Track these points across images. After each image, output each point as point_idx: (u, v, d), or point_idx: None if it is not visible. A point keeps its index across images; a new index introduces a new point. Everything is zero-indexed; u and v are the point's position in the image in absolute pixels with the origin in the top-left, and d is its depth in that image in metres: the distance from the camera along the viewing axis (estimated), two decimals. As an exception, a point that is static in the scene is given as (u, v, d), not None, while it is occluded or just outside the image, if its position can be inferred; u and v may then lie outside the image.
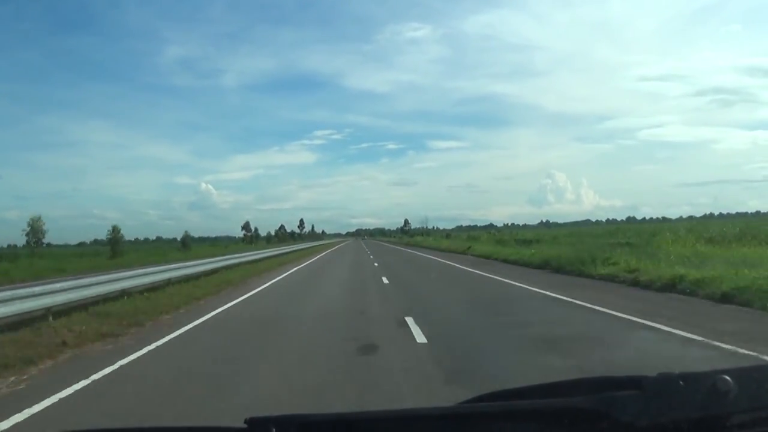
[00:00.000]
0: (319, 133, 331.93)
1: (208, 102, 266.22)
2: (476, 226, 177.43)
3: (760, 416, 1.06)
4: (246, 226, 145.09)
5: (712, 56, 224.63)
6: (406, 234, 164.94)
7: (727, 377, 1.01)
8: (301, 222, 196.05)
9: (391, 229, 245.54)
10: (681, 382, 1.03)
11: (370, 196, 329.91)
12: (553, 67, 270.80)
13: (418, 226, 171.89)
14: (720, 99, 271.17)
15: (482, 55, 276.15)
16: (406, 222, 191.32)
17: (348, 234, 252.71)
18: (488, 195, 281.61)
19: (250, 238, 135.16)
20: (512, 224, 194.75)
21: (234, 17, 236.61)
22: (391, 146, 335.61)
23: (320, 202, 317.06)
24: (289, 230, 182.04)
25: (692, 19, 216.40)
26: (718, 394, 1.00)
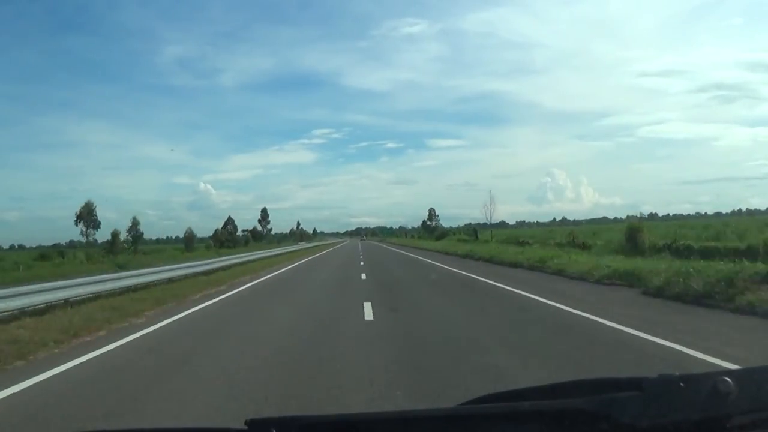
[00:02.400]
0: (318, 132, 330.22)
1: (206, 102, 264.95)
2: (486, 224, 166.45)
3: (760, 418, 1.05)
4: (84, 218, 65.06)
5: (714, 51, 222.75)
6: (431, 232, 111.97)
7: (728, 379, 1.01)
8: (264, 214, 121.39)
9: (392, 227, 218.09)
10: (681, 384, 1.03)
11: (370, 195, 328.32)
12: (552, 65, 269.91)
13: (447, 225, 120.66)
14: (721, 95, 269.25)
15: (481, 53, 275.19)
16: (432, 214, 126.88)
17: (347, 233, 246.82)
18: (488, 193, 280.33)
19: (118, 244, 64.64)
20: (523, 222, 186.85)
21: (232, 17, 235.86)
22: (391, 145, 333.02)
23: (320, 202, 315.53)
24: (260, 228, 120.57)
25: (694, 13, 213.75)
26: (719, 395, 1.00)
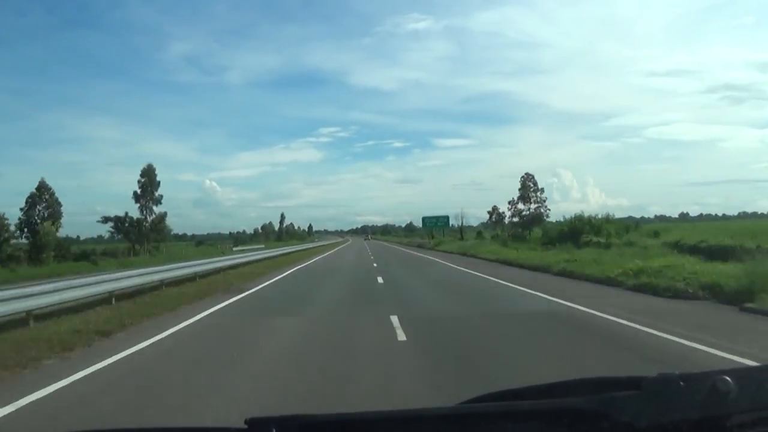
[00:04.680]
0: (324, 130, 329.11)
1: (212, 99, 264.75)
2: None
3: (760, 417, 1.05)
4: None
5: (723, 51, 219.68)
6: (523, 228, 59.87)
7: (728, 378, 1.01)
8: (148, 178, 59.56)
9: (398, 225, 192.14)
10: (681, 383, 1.03)
11: (376, 193, 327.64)
12: (559, 65, 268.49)
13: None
14: (730, 96, 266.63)
15: (488, 53, 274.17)
16: (528, 187, 62.38)
17: (351, 231, 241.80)
18: (494, 193, 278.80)
19: None
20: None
21: (238, 14, 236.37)
22: (397, 144, 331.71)
23: (325, 200, 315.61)
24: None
25: (703, 13, 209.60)
26: (718, 394, 1.00)
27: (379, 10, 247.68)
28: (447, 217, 76.54)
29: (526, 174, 63.30)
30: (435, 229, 78.40)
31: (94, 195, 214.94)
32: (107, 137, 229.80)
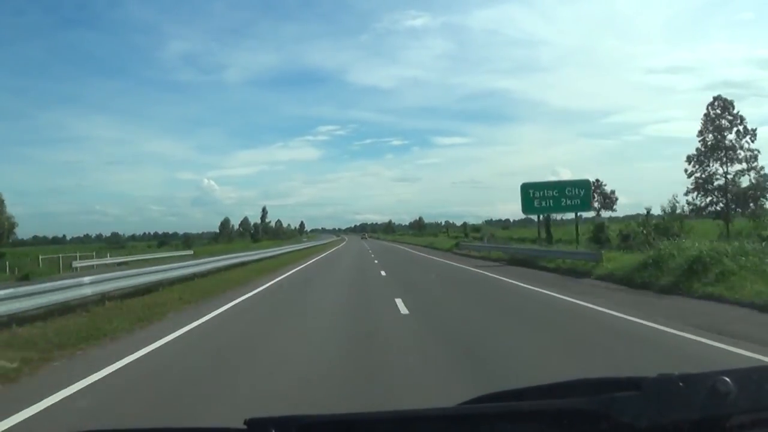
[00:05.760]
0: (323, 128, 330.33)
1: (211, 97, 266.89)
2: (509, 220, 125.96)
3: (759, 418, 1.06)
4: None
5: (723, 48, 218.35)
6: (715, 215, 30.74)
7: (727, 378, 1.01)
8: None
9: (398, 222, 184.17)
10: (680, 384, 1.03)
11: (374, 192, 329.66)
12: (558, 63, 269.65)
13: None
14: (729, 93, 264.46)
15: (487, 51, 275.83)
16: None
17: (348, 230, 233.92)
18: (493, 191, 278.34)
19: None
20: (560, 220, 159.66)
21: (236, 12, 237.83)
22: (396, 142, 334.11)
23: (324, 198, 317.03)
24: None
25: (703, 9, 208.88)
26: (718, 395, 1.00)
27: (376, 7, 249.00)
28: (587, 184, 31.57)
29: (716, 99, 32.50)
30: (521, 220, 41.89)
31: (93, 194, 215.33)
32: (106, 136, 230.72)
